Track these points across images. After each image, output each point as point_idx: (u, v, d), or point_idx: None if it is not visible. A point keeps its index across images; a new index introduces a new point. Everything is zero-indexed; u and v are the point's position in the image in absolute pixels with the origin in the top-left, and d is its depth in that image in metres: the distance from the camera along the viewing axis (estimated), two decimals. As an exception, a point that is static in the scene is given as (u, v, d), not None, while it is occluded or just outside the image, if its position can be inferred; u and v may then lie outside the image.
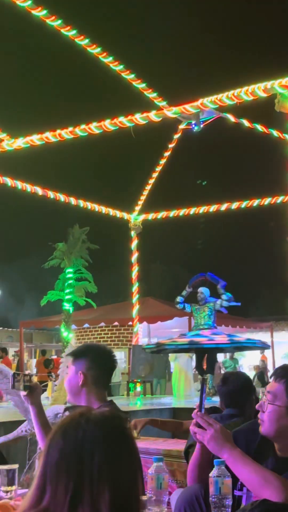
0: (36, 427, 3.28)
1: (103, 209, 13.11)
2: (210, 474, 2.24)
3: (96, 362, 3.11)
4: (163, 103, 8.99)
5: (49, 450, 1.38)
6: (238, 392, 3.62)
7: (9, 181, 11.14)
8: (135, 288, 13.83)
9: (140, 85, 8.74)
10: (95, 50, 8.24)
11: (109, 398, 3.13)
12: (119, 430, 1.42)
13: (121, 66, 8.50)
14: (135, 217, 13.59)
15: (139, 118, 9.12)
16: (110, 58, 8.38)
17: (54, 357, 24.86)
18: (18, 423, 6.01)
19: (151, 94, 8.85)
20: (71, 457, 1.35)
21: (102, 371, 3.11)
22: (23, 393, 3.18)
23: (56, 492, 1.33)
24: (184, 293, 10.51)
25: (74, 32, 7.93)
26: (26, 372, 3.79)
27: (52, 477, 1.34)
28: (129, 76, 8.62)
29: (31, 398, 3.20)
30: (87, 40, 8.14)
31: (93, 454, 1.34)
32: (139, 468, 1.43)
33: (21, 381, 3.15)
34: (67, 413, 5.02)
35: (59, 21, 7.74)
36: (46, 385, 10.35)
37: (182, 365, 13.73)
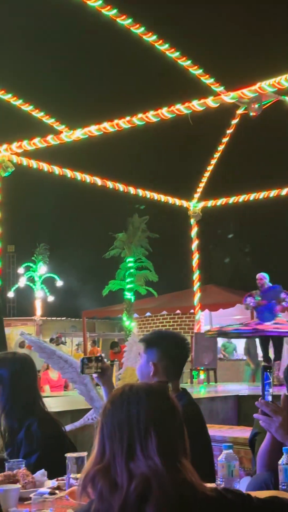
0: None
1: (162, 198, 13.09)
2: (280, 462, 2.22)
3: (169, 352, 3.07)
4: (221, 89, 8.90)
5: (102, 418, 1.68)
6: None
7: (68, 173, 11.25)
8: (196, 275, 13.79)
9: (197, 71, 8.67)
10: (150, 38, 8.21)
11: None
12: (160, 392, 1.70)
13: (177, 53, 8.45)
14: (195, 205, 13.52)
15: (196, 105, 9.05)
16: (166, 46, 8.33)
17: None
18: (84, 411, 6.09)
19: (208, 80, 8.77)
20: (121, 419, 1.64)
21: (174, 362, 3.08)
22: (94, 375, 3.19)
23: (113, 449, 1.62)
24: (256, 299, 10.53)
25: (129, 21, 7.92)
26: (97, 354, 3.82)
27: (108, 438, 1.63)
28: (185, 62, 8.57)
29: (103, 379, 3.21)
30: (142, 29, 8.11)
31: (139, 413, 1.63)
32: (181, 423, 1.69)
33: (92, 366, 3.16)
34: None
35: (115, 11, 7.74)
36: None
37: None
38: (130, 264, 23.10)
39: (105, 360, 3.36)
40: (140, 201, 13.58)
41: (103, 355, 3.55)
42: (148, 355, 3.07)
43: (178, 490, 1.58)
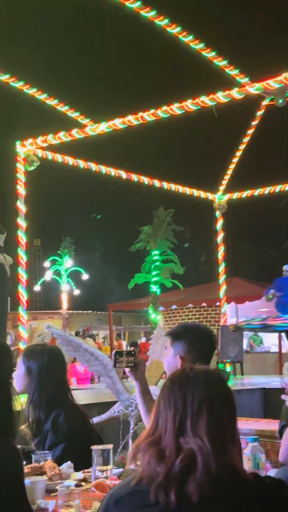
0: (140, 403, 3.29)
1: (187, 190, 13.05)
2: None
3: (196, 345, 3.06)
4: (246, 80, 8.83)
5: (160, 394, 1.78)
6: None
7: (93, 166, 11.26)
8: (221, 268, 13.73)
9: (221, 62, 8.61)
10: (175, 30, 8.17)
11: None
12: (218, 377, 1.80)
13: (202, 45, 8.39)
14: (220, 197, 13.46)
15: (221, 97, 8.99)
16: (190, 37, 8.28)
17: (143, 339, 25.13)
18: (111, 404, 6.11)
19: (232, 71, 8.70)
20: (177, 396, 1.73)
21: (201, 354, 3.06)
22: (127, 369, 3.19)
23: (166, 424, 1.72)
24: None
25: (153, 13, 7.88)
26: (130, 349, 3.80)
27: (162, 413, 1.74)
28: (209, 54, 8.51)
29: (135, 374, 3.21)
30: (166, 21, 8.07)
31: (194, 393, 1.72)
32: (234, 411, 1.78)
33: (123, 360, 3.17)
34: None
35: (138, 3, 7.71)
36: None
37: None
38: (155, 257, 23.10)
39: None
40: (165, 194, 13.52)
41: (135, 349, 3.54)
42: (175, 348, 3.05)
43: (220, 470, 1.65)
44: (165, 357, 3.13)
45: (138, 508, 1.67)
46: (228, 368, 12.68)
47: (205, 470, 1.64)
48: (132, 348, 4.29)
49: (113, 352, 3.23)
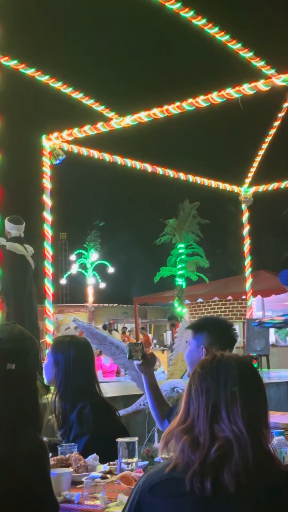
0: (148, 397, 3.30)
1: (213, 183, 12.99)
2: None
3: (218, 336, 3.07)
4: (271, 71, 8.75)
5: (191, 380, 1.75)
6: None
7: (118, 159, 11.27)
8: (247, 261, 13.67)
9: (247, 54, 8.54)
10: (200, 21, 8.12)
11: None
12: (249, 364, 1.77)
13: (227, 36, 8.33)
14: (246, 190, 13.38)
15: (247, 89, 8.92)
16: (216, 29, 8.23)
17: (169, 331, 25.11)
18: (136, 396, 6.14)
19: (258, 63, 8.63)
20: (209, 382, 1.70)
21: (224, 346, 3.06)
22: (137, 362, 3.19)
23: (198, 410, 1.69)
24: None
25: (178, 5, 7.84)
26: (139, 341, 3.81)
27: (194, 400, 1.71)
28: (235, 45, 8.44)
29: (145, 367, 3.21)
30: (191, 13, 8.03)
31: (227, 379, 1.69)
32: (266, 398, 1.74)
33: (139, 351, 3.17)
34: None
35: (163, -5, 7.67)
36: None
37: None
38: (181, 250, 23.05)
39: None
40: (190, 187, 13.47)
41: (143, 343, 3.53)
42: (197, 340, 3.06)
43: (257, 459, 1.63)
44: (186, 350, 3.14)
45: (173, 497, 1.66)
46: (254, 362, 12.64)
47: (242, 459, 1.62)
48: (140, 341, 4.28)
49: (127, 344, 3.23)
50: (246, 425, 1.65)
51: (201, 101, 9.17)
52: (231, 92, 8.96)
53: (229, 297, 19.52)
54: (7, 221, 7.92)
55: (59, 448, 2.95)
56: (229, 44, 8.42)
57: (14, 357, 2.04)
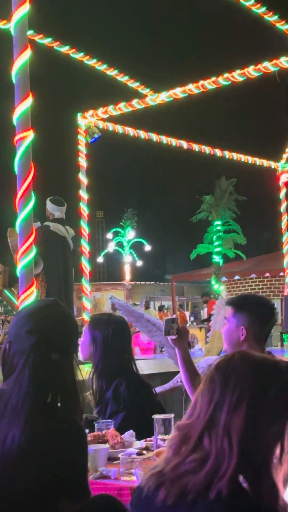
0: (182, 371, 3.29)
1: (249, 159, 12.85)
2: None
3: (259, 316, 3.02)
4: (309, 43, 8.57)
5: (205, 374, 1.55)
6: None
7: (154, 137, 11.20)
8: (285, 238, 13.51)
9: (284, 26, 8.38)
10: (235, -6, 7.98)
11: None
12: (275, 371, 1.48)
13: (264, 8, 8.17)
14: (283, 165, 13.20)
15: (284, 62, 8.76)
16: (252, 1, 8.07)
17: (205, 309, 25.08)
18: (173, 374, 6.14)
19: (296, 35, 8.46)
20: (216, 384, 1.48)
21: (264, 326, 3.03)
22: (172, 337, 3.18)
23: (200, 411, 1.48)
24: None
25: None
26: (173, 316, 3.78)
27: (199, 398, 1.50)
28: (272, 17, 8.28)
29: (179, 342, 3.20)
30: (226, -15, 7.90)
31: (235, 387, 1.45)
32: (283, 415, 1.44)
33: (175, 327, 3.16)
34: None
35: None
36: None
37: None
38: (218, 227, 22.93)
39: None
40: (227, 163, 13.34)
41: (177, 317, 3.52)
42: (237, 319, 3.00)
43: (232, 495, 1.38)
44: (225, 327, 3.09)
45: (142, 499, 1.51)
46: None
47: (205, 484, 1.39)
48: (174, 316, 4.28)
49: (164, 320, 3.22)
50: (240, 442, 1.40)
51: (237, 75, 9.03)
52: (268, 66, 8.81)
53: (267, 274, 19.39)
54: (50, 202, 8.00)
55: (95, 424, 2.97)
56: (265, 16, 8.26)
57: (58, 347, 2.03)
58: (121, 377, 3.28)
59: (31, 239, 4.44)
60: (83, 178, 10.00)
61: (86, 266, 9.68)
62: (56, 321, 2.08)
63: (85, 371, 2.14)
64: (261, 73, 8.92)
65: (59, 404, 2.01)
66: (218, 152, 12.09)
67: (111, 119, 10.48)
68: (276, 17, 8.30)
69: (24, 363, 1.97)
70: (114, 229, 30.98)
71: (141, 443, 2.83)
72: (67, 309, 2.16)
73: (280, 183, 13.38)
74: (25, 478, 1.88)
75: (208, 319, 9.51)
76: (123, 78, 9.63)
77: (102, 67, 9.47)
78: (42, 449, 1.89)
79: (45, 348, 2.00)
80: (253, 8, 8.14)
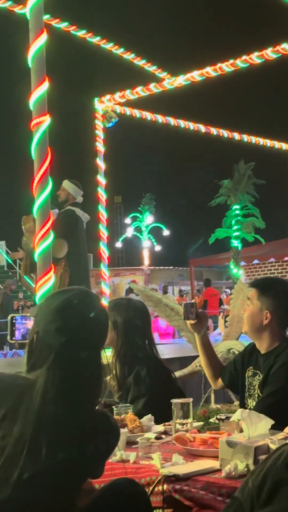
0: (201, 355, 3.27)
1: (268, 143, 12.75)
2: None
3: (283, 302, 2.98)
4: None
5: None
6: None
7: (171, 121, 11.14)
8: (304, 222, 13.44)
9: (302, 7, 8.28)
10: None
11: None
12: None
13: (281, -12, 8.08)
14: (302, 148, 13.09)
15: (302, 43, 8.66)
16: (269, -19, 7.99)
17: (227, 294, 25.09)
18: (192, 358, 6.14)
19: (315, 16, 8.35)
20: None
21: (287, 313, 2.99)
22: (191, 322, 3.16)
23: None
24: None
25: None
26: (192, 301, 3.77)
27: None
28: (290, -2, 8.18)
29: (197, 326, 3.18)
30: None
31: None
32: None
33: (194, 312, 3.14)
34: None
35: None
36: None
37: None
38: (236, 212, 22.81)
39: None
40: (245, 147, 13.26)
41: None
42: (262, 303, 2.94)
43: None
44: (248, 309, 3.02)
45: None
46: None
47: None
48: (193, 300, 4.25)
49: (183, 304, 3.19)
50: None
51: (255, 57, 8.93)
52: (287, 47, 8.70)
53: (286, 258, 19.30)
54: (74, 185, 7.74)
55: (114, 408, 2.97)
56: (283, -3, 8.16)
57: (88, 346, 1.98)
58: (143, 362, 3.28)
59: (48, 225, 4.44)
60: (100, 163, 9.97)
61: (104, 251, 9.68)
62: (86, 320, 1.98)
63: (105, 356, 2.10)
64: (280, 54, 8.82)
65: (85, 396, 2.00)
66: (236, 136, 12.01)
67: (128, 103, 10.43)
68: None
69: (53, 359, 1.93)
70: (133, 214, 30.99)
71: (160, 427, 2.83)
72: (98, 301, 2.07)
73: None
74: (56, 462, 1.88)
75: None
76: (140, 62, 9.57)
77: (119, 51, 9.41)
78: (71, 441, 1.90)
79: (75, 348, 1.94)
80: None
